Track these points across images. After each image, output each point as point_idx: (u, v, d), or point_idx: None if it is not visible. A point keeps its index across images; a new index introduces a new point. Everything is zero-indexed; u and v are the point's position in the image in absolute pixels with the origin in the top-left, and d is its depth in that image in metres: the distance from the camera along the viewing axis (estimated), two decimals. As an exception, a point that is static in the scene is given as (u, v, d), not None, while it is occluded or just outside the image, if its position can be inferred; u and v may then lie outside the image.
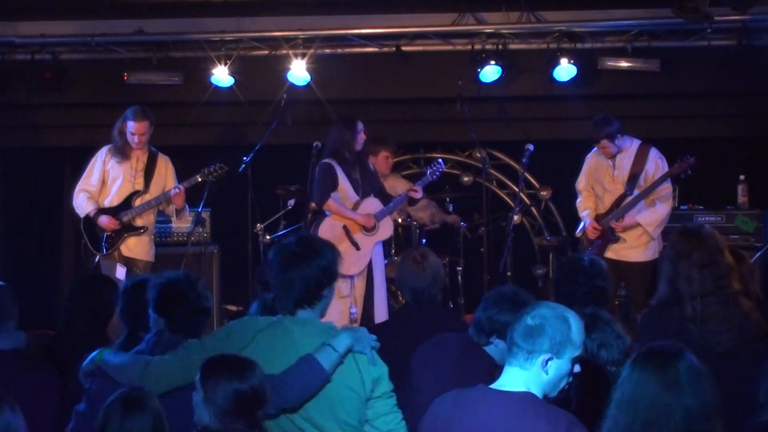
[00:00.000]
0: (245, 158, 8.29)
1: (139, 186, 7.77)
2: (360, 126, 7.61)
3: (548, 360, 3.33)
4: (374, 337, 3.88)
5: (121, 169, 7.74)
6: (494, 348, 4.14)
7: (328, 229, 7.60)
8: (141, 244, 7.79)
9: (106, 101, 8.86)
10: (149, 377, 3.86)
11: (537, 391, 3.34)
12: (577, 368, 3.40)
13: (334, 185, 7.57)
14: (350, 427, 3.82)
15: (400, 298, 8.52)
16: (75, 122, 9.04)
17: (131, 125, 7.65)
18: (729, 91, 8.98)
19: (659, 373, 2.99)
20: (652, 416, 2.95)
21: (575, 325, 3.37)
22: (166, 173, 7.89)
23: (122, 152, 7.71)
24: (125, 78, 8.85)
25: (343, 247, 7.47)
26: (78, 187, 7.79)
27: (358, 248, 7.50)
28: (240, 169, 8.31)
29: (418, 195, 7.73)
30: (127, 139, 7.69)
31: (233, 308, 8.98)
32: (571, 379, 3.41)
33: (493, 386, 3.39)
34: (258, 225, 8.50)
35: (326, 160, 7.57)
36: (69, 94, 8.89)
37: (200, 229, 8.82)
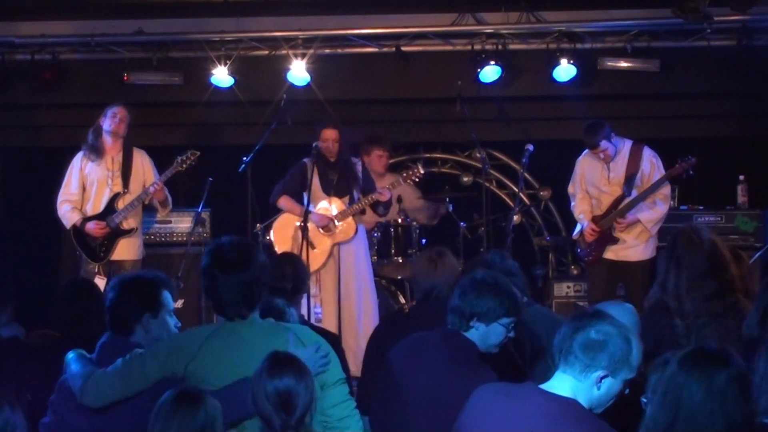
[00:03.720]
0: (245, 158, 8.28)
1: (118, 188, 7.79)
2: (326, 134, 7.73)
3: (603, 377, 3.31)
4: (324, 352, 3.81)
5: (98, 171, 7.76)
6: (475, 332, 4.17)
7: (282, 227, 7.81)
8: (129, 245, 7.83)
9: (106, 101, 8.80)
10: (87, 391, 3.81)
11: (584, 402, 3.32)
12: (627, 391, 3.37)
13: (302, 185, 7.72)
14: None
15: (401, 299, 8.53)
16: (75, 122, 9.02)
17: (114, 109, 7.72)
18: (729, 91, 8.98)
19: (706, 380, 2.93)
20: (694, 422, 2.92)
21: (636, 347, 3.34)
22: (143, 168, 7.92)
23: (96, 150, 7.73)
24: (125, 78, 8.85)
25: (297, 245, 7.55)
26: (60, 198, 7.81)
27: (313, 247, 7.51)
28: (240, 169, 8.30)
29: (385, 197, 7.75)
30: (102, 134, 7.70)
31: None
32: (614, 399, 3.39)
33: (541, 386, 3.38)
34: (258, 225, 8.50)
35: (304, 159, 7.81)
36: (69, 94, 8.90)
37: (200, 229, 8.83)
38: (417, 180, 8.16)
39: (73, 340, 5.00)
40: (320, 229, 7.72)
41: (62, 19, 8.90)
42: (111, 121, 7.72)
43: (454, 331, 4.22)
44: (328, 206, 7.80)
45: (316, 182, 7.71)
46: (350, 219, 7.80)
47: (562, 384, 3.34)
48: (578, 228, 7.85)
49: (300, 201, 7.93)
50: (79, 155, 7.82)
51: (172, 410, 3.37)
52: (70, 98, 8.97)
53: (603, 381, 3.31)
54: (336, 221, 7.75)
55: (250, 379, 3.56)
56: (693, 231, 5.11)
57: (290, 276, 5.38)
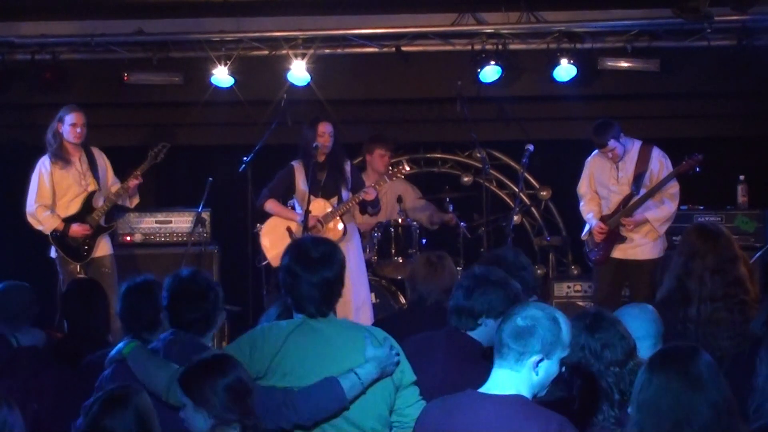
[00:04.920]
0: (245, 158, 8.30)
1: (93, 186, 7.85)
2: (323, 128, 7.73)
3: (539, 361, 3.32)
4: (396, 350, 3.89)
5: (69, 175, 7.78)
6: (483, 329, 4.18)
7: (271, 230, 7.82)
8: (105, 241, 7.90)
9: (106, 101, 8.86)
10: (175, 389, 3.78)
11: (527, 393, 3.33)
12: (563, 369, 3.40)
13: (290, 188, 7.79)
14: (383, 418, 3.86)
15: (401, 299, 8.53)
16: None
17: (71, 117, 7.70)
18: (729, 91, 8.98)
19: (681, 374, 2.96)
20: (680, 416, 2.92)
21: (564, 325, 3.37)
22: (105, 165, 8.00)
23: (62, 156, 7.74)
24: (125, 78, 8.84)
25: (285, 246, 7.53)
26: (36, 204, 7.78)
27: None
28: (240, 169, 8.31)
29: (370, 196, 7.72)
30: (63, 141, 7.71)
31: (233, 308, 8.97)
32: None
33: (482, 390, 3.38)
34: (258, 225, 8.50)
35: (292, 162, 7.82)
36: (69, 94, 8.88)
37: (200, 229, 8.82)
38: (402, 176, 8.15)
39: (76, 339, 5.02)
40: (308, 232, 7.68)
41: (62, 19, 8.89)
42: (72, 131, 7.71)
43: (457, 330, 4.22)
44: (323, 203, 7.78)
45: (304, 183, 7.69)
46: (337, 219, 7.79)
47: (501, 381, 3.35)
48: (587, 228, 7.86)
49: (286, 204, 7.95)
50: (46, 160, 7.79)
51: (99, 413, 3.34)
52: (70, 98, 8.91)
53: (540, 365, 3.32)
54: (323, 222, 7.74)
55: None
56: (706, 224, 5.19)
57: None
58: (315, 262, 3.89)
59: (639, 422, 3.00)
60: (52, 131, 7.75)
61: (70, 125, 7.71)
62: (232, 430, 3.47)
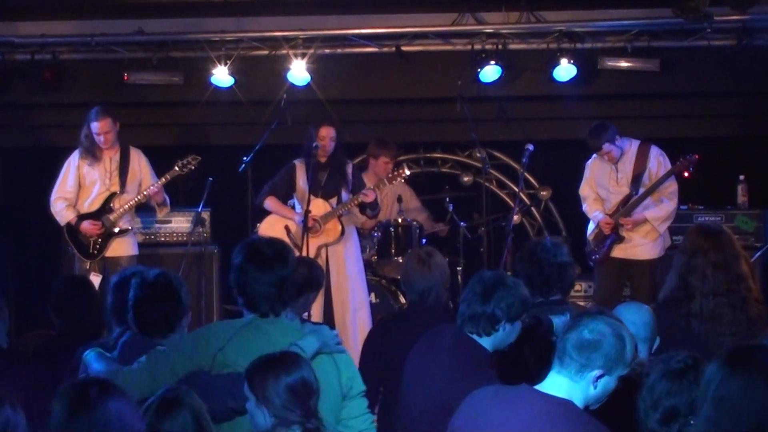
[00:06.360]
0: (245, 158, 8.29)
1: (115, 187, 7.84)
2: (324, 132, 7.73)
3: (600, 377, 3.31)
4: (335, 332, 3.89)
5: (96, 171, 7.81)
6: (501, 333, 4.17)
7: (269, 228, 7.83)
8: (123, 242, 7.90)
9: (106, 101, 8.82)
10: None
11: (579, 402, 3.31)
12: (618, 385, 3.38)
13: (291, 186, 7.80)
14: (329, 425, 3.78)
15: (401, 299, 8.53)
16: (75, 122, 9.01)
17: (94, 126, 7.72)
18: (729, 91, 8.98)
19: (765, 374, 2.91)
20: (763, 417, 2.87)
21: (630, 344, 3.34)
22: (140, 168, 7.97)
23: (93, 154, 7.78)
24: (125, 78, 8.84)
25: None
26: (55, 195, 7.84)
27: (299, 249, 7.48)
28: (240, 169, 8.31)
29: (369, 198, 7.71)
30: (94, 141, 7.74)
31: (233, 308, 8.97)
32: None
33: (536, 387, 3.37)
34: (258, 225, 8.50)
35: (294, 161, 7.84)
36: (69, 94, 8.89)
37: (200, 229, 8.83)
38: (402, 180, 8.15)
39: (70, 337, 4.99)
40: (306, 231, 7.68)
41: (62, 19, 8.89)
42: (98, 140, 7.75)
43: (465, 335, 4.20)
44: (322, 203, 7.79)
45: (304, 183, 7.70)
46: (335, 220, 7.78)
47: (557, 385, 3.33)
48: (592, 227, 7.87)
49: (286, 202, 7.95)
50: (76, 154, 7.86)
51: (156, 418, 3.32)
52: (70, 98, 8.96)
53: (600, 380, 3.31)
54: (321, 223, 7.73)
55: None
56: (707, 225, 5.23)
57: (303, 276, 5.45)
58: (269, 261, 3.87)
59: (714, 420, 2.92)
60: (84, 134, 7.80)
61: (95, 134, 7.75)
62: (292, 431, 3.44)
